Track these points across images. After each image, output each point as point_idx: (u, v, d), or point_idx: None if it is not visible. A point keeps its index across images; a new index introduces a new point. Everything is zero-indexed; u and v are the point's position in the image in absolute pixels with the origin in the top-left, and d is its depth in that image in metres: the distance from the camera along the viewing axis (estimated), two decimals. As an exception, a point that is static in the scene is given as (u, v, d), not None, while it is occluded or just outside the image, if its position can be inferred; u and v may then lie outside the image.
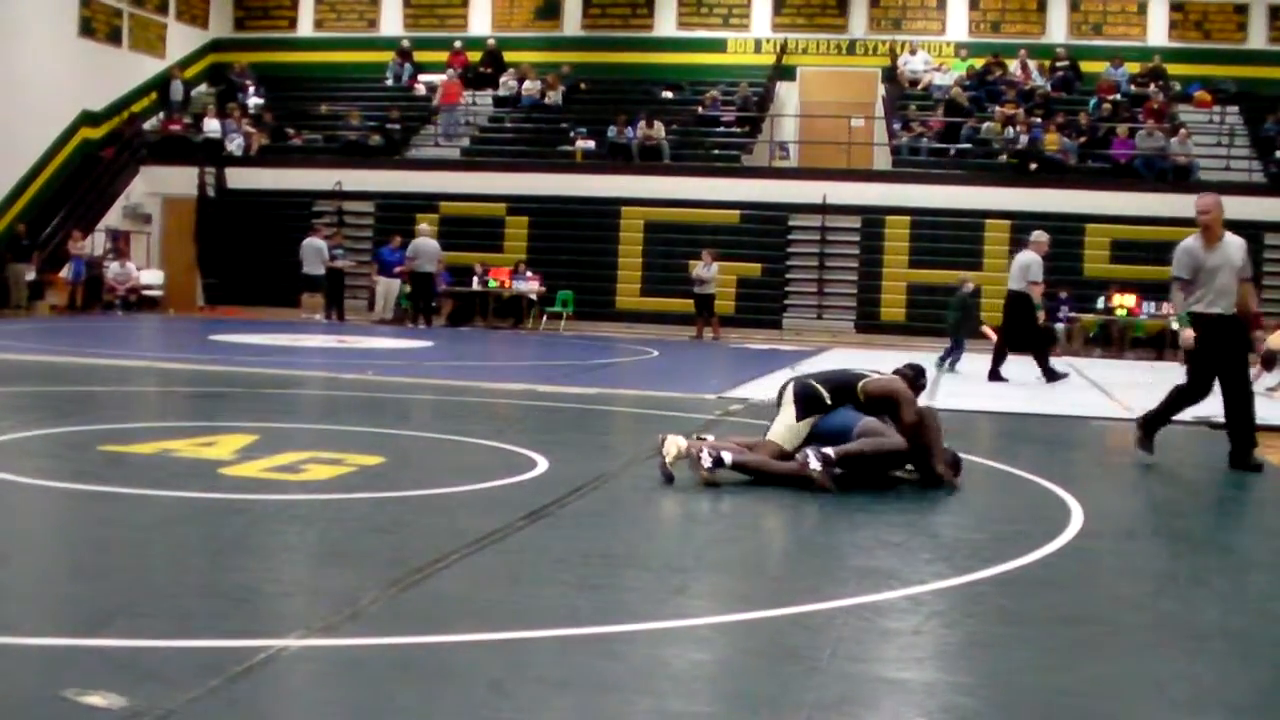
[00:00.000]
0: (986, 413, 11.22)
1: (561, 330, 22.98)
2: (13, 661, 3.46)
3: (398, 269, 22.89)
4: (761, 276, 23.82)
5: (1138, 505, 7.20)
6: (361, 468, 6.72)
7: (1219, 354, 8.08)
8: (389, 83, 28.70)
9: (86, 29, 25.67)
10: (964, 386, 13.39)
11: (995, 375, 14.45)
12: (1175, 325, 8.25)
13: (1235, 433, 8.19)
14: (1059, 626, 4.29)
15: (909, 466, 6.99)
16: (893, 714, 3.40)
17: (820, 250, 23.97)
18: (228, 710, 3.14)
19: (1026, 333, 14.50)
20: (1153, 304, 21.50)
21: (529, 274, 23.44)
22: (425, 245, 22.24)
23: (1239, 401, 8.14)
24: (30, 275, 22.55)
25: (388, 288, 23.30)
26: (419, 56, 28.62)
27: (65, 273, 23.19)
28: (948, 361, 15.41)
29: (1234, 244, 8.34)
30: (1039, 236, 14.88)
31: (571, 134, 25.71)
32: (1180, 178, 23.42)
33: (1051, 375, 14.35)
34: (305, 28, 30.21)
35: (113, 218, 25.34)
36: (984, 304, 23.22)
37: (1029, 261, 14.41)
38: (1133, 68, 26.42)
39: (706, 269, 22.00)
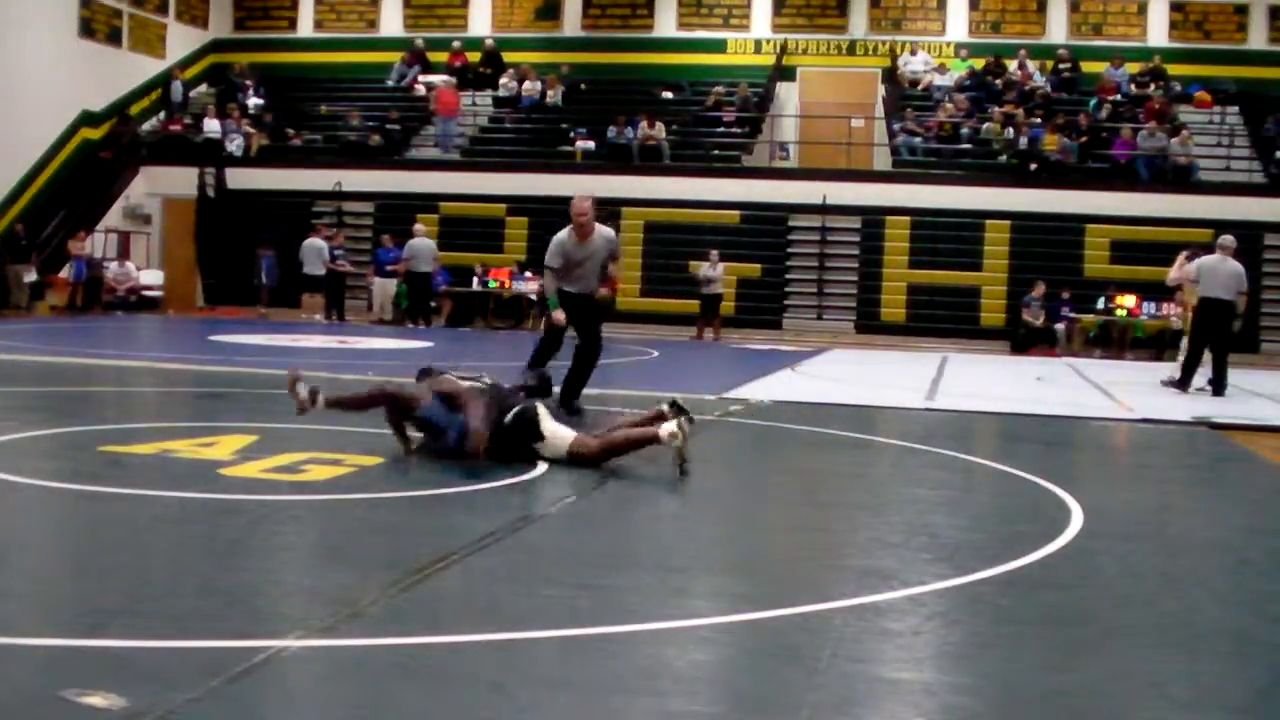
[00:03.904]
0: (986, 413, 11.23)
1: (561, 331, 22.93)
2: (13, 661, 3.45)
3: (389, 267, 22.88)
4: (761, 277, 23.81)
5: (1138, 505, 7.19)
6: (361, 468, 6.71)
7: (577, 321, 9.89)
8: (393, 84, 28.69)
9: (86, 29, 25.67)
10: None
11: (1185, 385, 13.80)
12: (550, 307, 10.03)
13: (572, 378, 9.85)
14: (1059, 627, 4.28)
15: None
16: (893, 714, 3.40)
17: (820, 250, 23.98)
18: (228, 710, 3.14)
19: (1228, 340, 13.83)
20: (1153, 304, 21.50)
21: (529, 274, 23.42)
22: (421, 245, 22.21)
23: (587, 357, 9.91)
24: (31, 276, 22.53)
25: (383, 288, 23.30)
26: (418, 57, 28.65)
27: (66, 273, 23.19)
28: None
29: (601, 238, 9.82)
30: (1230, 241, 13.99)
31: (571, 134, 25.70)
32: (1180, 178, 23.44)
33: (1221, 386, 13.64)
34: (305, 28, 30.20)
35: (113, 218, 25.35)
36: (982, 304, 23.37)
37: (1242, 271, 13.71)
38: (1133, 68, 26.41)
39: (713, 269, 21.95)
